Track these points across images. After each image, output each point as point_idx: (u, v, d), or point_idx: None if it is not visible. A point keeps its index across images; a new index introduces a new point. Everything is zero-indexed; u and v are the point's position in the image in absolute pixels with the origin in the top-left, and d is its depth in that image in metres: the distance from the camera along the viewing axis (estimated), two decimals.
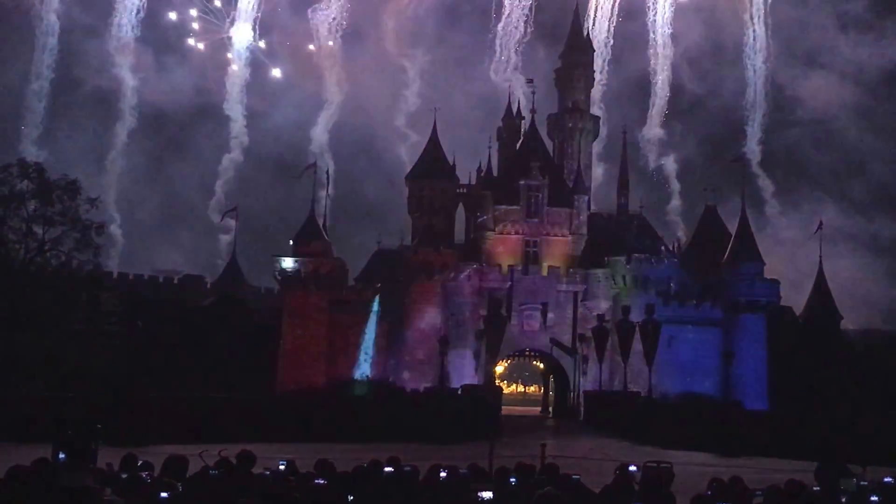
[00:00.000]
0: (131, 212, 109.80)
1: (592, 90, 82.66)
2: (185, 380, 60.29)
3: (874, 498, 22.69)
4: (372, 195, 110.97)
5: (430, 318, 70.57)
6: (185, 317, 74.89)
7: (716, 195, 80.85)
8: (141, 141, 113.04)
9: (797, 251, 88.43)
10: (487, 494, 14.86)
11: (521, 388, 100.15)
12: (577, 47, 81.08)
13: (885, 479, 19.81)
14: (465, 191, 77.66)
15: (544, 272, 73.87)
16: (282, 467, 18.69)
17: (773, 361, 71.02)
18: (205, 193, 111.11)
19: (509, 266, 73.67)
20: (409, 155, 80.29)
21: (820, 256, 79.66)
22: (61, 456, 12.68)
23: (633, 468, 29.56)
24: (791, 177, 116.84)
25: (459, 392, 62.58)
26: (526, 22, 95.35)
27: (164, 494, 12.87)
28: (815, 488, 23.66)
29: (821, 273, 79.41)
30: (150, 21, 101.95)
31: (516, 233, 75.62)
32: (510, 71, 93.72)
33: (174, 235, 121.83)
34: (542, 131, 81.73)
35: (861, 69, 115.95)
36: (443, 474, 19.24)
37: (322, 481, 16.71)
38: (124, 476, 15.05)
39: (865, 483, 23.99)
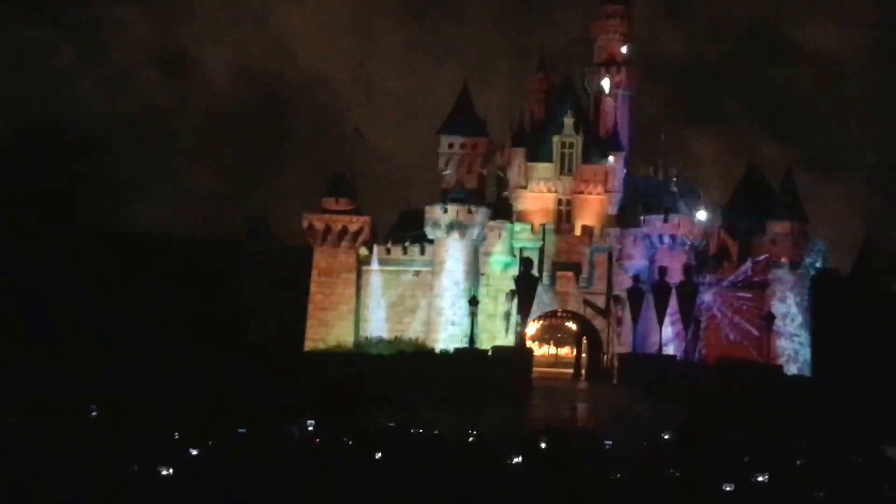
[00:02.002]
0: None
1: (630, 42, 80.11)
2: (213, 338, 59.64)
3: None
4: (403, 152, 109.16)
5: (459, 277, 69.08)
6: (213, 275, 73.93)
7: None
8: None
9: (844, 212, 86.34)
10: (517, 458, 14.33)
11: (553, 350, 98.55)
12: None
13: None
14: (496, 147, 75.75)
15: (578, 231, 72.07)
16: (311, 428, 18.27)
17: (818, 326, 69.22)
18: None
19: (541, 224, 71.91)
20: (442, 111, 77.60)
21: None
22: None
23: (666, 435, 28.27)
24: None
25: (490, 353, 61.50)
26: None
27: None
28: (858, 457, 22.34)
29: (870, 233, 77.41)
30: None
31: (549, 190, 73.74)
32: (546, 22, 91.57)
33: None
34: (578, 86, 79.61)
35: None
36: (471, 438, 18.46)
37: (349, 442, 16.33)
38: None
39: None
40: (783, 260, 69.45)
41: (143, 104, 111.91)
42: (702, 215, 72.05)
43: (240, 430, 26.63)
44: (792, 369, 66.96)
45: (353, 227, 70.68)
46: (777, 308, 67.76)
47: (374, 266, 71.44)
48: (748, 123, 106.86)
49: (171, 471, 20.78)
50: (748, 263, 70.43)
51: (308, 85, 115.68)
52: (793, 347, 68.56)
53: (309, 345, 69.32)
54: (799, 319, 69.17)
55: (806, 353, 68.83)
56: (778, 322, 66.24)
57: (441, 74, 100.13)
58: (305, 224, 71.09)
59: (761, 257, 70.06)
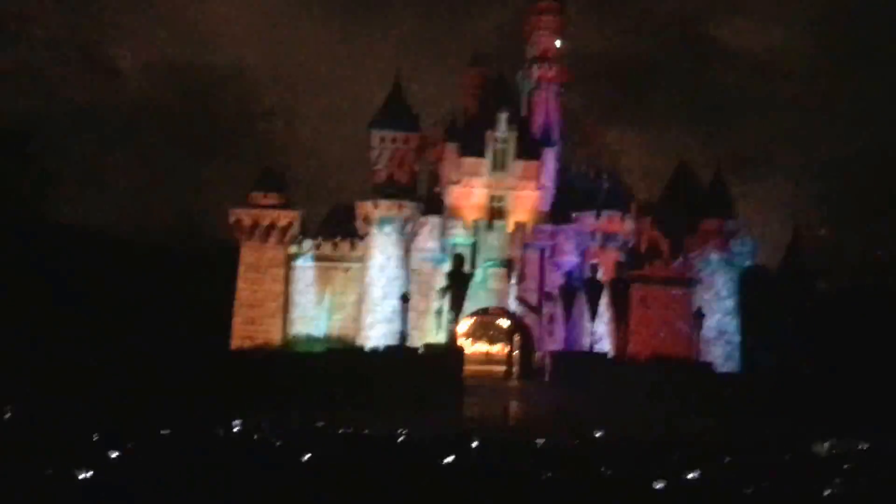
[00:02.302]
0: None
1: (567, 37, 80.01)
2: (136, 336, 58.48)
3: (846, 465, 21.31)
4: (334, 145, 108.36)
5: (391, 273, 68.44)
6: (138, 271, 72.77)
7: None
8: None
9: (774, 211, 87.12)
10: (449, 458, 13.78)
11: (485, 348, 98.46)
12: None
13: (859, 447, 18.87)
14: (429, 142, 75.16)
15: (510, 227, 71.79)
16: (236, 428, 17.55)
17: (747, 322, 69.67)
18: None
19: (474, 220, 71.52)
20: (373, 105, 76.99)
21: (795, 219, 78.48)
22: None
23: (598, 433, 27.91)
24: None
25: (420, 351, 60.91)
26: None
27: None
28: (786, 454, 22.09)
29: (797, 231, 78.12)
30: None
31: (482, 186, 73.42)
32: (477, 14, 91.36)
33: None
34: (512, 81, 79.40)
35: None
36: (401, 437, 18.13)
37: (277, 442, 15.67)
38: None
39: (837, 451, 22.49)
40: (713, 257, 69.76)
41: (60, 100, 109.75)
42: (634, 212, 72.06)
43: (163, 432, 25.61)
44: (722, 366, 67.24)
45: (281, 222, 69.77)
46: (707, 305, 67.88)
47: (304, 262, 70.63)
48: (675, 122, 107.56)
49: (89, 474, 19.87)
50: (679, 261, 70.70)
51: (228, 78, 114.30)
52: (723, 345, 68.85)
53: (236, 342, 68.19)
54: (729, 317, 69.50)
55: (736, 351, 69.16)
56: (708, 319, 66.33)
57: (371, 67, 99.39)
58: (232, 219, 69.94)
59: (692, 255, 70.33)
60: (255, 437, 20.99)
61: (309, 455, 14.26)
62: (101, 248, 73.46)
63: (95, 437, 26.05)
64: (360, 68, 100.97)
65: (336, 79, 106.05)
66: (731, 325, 69.56)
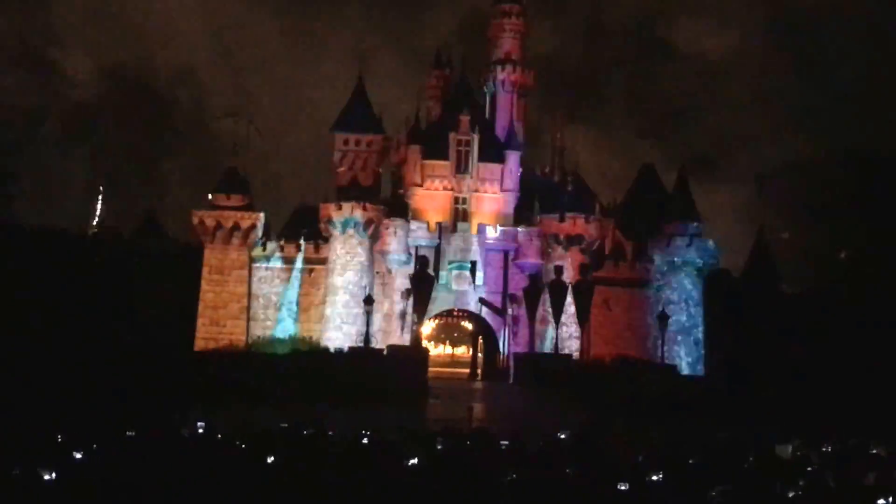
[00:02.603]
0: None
1: (527, 40, 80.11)
2: (98, 338, 57.99)
3: (810, 468, 21.42)
4: (296, 147, 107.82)
5: (354, 275, 68.28)
6: (101, 272, 72.10)
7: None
8: None
9: (738, 213, 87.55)
10: (413, 460, 13.68)
11: (449, 350, 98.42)
12: None
13: (822, 448, 18.93)
14: (392, 144, 74.99)
15: (474, 230, 71.76)
16: (200, 430, 17.34)
17: (710, 325, 69.99)
18: None
19: (437, 223, 71.48)
20: (336, 107, 76.66)
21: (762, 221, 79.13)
22: None
23: (562, 435, 27.88)
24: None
25: (385, 353, 60.80)
26: None
27: None
28: (749, 456, 22.13)
29: (761, 234, 78.56)
30: None
31: (445, 188, 73.31)
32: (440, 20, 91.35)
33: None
34: (474, 83, 79.44)
35: None
36: (365, 439, 18.02)
37: (241, 444, 15.51)
38: None
39: (801, 453, 22.57)
40: (677, 260, 70.01)
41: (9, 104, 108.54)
42: (598, 214, 72.23)
43: (128, 433, 25.38)
44: (685, 369, 67.56)
45: (244, 224, 69.33)
46: (671, 308, 68.09)
47: (267, 264, 70.32)
48: (634, 124, 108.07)
49: (53, 475, 19.66)
50: (642, 263, 70.93)
51: (183, 80, 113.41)
52: (686, 347, 69.13)
53: (200, 344, 67.80)
54: (693, 320, 69.78)
55: (699, 353, 69.45)
56: (672, 321, 66.58)
57: (332, 68, 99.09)
58: (195, 220, 69.49)
59: (655, 257, 70.56)
60: (219, 437, 20.89)
61: (272, 457, 14.16)
62: (60, 248, 72.77)
63: (59, 438, 25.81)
64: (320, 69, 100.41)
65: (295, 80, 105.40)
66: (695, 327, 69.83)
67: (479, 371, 77.37)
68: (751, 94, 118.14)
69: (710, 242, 71.48)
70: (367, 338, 62.70)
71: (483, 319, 72.94)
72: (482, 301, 71.95)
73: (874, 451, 24.80)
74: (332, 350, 63.03)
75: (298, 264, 70.36)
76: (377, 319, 67.37)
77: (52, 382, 43.35)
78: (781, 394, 50.78)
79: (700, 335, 69.81)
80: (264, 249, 70.28)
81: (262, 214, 70.42)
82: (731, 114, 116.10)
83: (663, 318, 63.94)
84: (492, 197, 73.47)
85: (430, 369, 65.03)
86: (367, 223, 68.33)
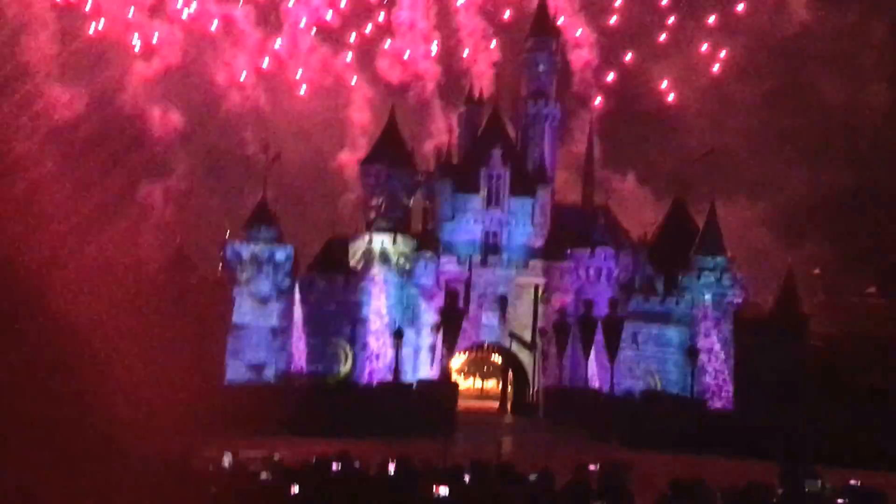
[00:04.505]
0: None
1: (558, 76, 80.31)
2: (129, 369, 58.12)
3: (840, 501, 21.22)
4: (327, 180, 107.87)
5: (385, 309, 68.31)
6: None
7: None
8: None
9: (766, 249, 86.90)
10: (444, 490, 13.63)
11: (478, 384, 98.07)
12: (543, 31, 78.80)
13: (851, 482, 18.79)
14: (423, 178, 75.24)
15: (504, 264, 71.76)
16: (227, 463, 17.36)
17: (739, 360, 69.49)
18: None
19: (468, 256, 71.55)
20: (368, 139, 77.30)
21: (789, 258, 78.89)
22: None
23: (592, 467, 27.78)
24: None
25: (414, 387, 60.77)
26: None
27: None
28: (778, 490, 21.98)
29: (790, 272, 78.17)
30: None
31: (475, 222, 73.52)
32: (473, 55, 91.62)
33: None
34: (506, 117, 79.67)
35: None
36: (391, 468, 17.96)
37: (267, 475, 15.53)
38: None
39: (829, 486, 22.39)
40: (706, 295, 69.61)
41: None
42: (628, 249, 72.07)
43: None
44: (716, 403, 67.08)
45: (276, 256, 69.32)
46: (701, 342, 67.75)
47: (297, 296, 70.17)
48: (667, 157, 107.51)
49: None
50: (673, 298, 70.53)
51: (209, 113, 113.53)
52: (716, 382, 68.65)
53: (230, 376, 67.72)
54: (722, 354, 69.28)
55: (729, 388, 68.93)
56: (702, 356, 66.25)
57: (364, 98, 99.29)
58: (227, 252, 69.57)
59: (685, 292, 70.16)
60: (244, 470, 20.93)
61: (297, 487, 14.23)
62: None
63: None
64: (350, 97, 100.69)
65: (327, 112, 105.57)
66: (725, 361, 69.33)
67: (508, 405, 77.15)
68: (777, 130, 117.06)
69: (740, 278, 71.04)
70: (396, 371, 62.70)
71: (513, 353, 72.83)
72: (512, 335, 71.86)
73: None
74: (361, 383, 63.04)
75: (328, 297, 70.05)
76: (407, 353, 67.27)
77: None
78: (810, 430, 50.28)
79: (729, 370, 69.25)
80: (295, 282, 70.17)
81: (292, 247, 70.50)
82: (760, 148, 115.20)
83: (693, 352, 63.65)
84: (522, 231, 73.52)
85: (460, 403, 64.96)
86: (398, 257, 68.39)
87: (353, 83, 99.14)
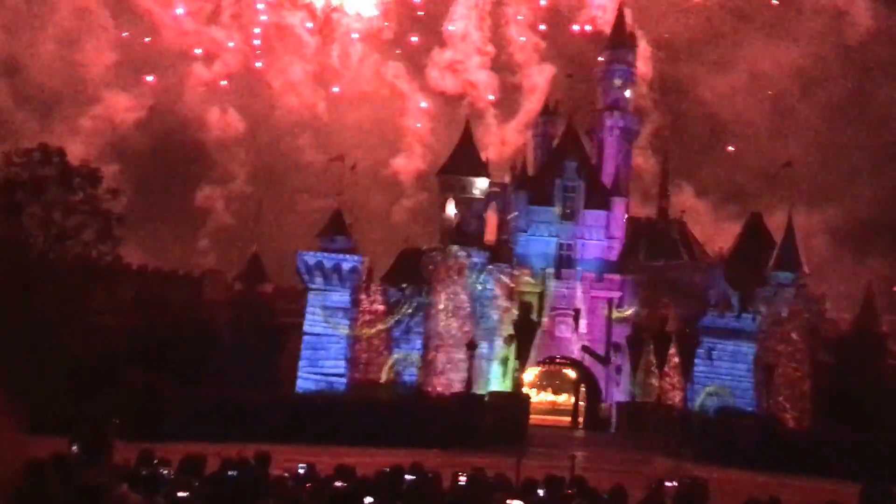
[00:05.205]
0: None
1: (634, 88, 79.91)
2: (202, 377, 58.87)
3: None
4: (402, 189, 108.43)
5: (458, 320, 68.29)
6: (202, 312, 73.43)
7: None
8: None
9: (842, 265, 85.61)
10: (517, 503, 13.59)
11: (550, 397, 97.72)
12: (620, 43, 78.52)
13: None
14: (498, 189, 75.20)
15: (578, 277, 71.50)
16: (301, 471, 17.44)
17: (816, 378, 68.45)
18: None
19: (542, 269, 71.37)
20: (444, 150, 77.67)
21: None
22: (74, 449, 12.59)
23: (668, 483, 27.45)
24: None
25: (487, 399, 60.68)
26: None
27: (181, 493, 12.15)
28: None
29: (869, 289, 76.96)
30: None
31: (550, 235, 73.37)
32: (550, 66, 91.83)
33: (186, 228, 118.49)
34: (582, 130, 79.47)
35: None
36: (462, 480, 17.94)
37: (341, 483, 15.56)
38: (142, 473, 13.87)
39: None
40: (782, 311, 68.66)
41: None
42: (704, 264, 71.47)
43: (230, 473, 25.66)
44: (791, 421, 66.10)
45: (349, 266, 69.69)
46: (776, 359, 66.84)
47: (371, 306, 70.34)
48: (746, 171, 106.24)
49: None
50: (749, 313, 69.70)
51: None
52: (792, 400, 67.63)
53: (300, 385, 68.20)
54: (798, 372, 68.25)
55: (806, 406, 67.86)
56: (777, 374, 65.36)
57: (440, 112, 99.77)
58: (300, 262, 70.11)
59: (761, 307, 69.27)
60: (318, 479, 20.98)
61: (371, 498, 14.25)
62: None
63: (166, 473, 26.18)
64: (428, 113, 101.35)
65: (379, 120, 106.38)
66: (801, 379, 68.28)
67: (580, 420, 76.80)
68: (843, 141, 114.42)
69: (816, 295, 70.06)
70: (469, 383, 62.60)
71: (586, 367, 72.52)
72: (585, 349, 71.55)
73: None
74: (434, 395, 63.07)
75: (403, 308, 70.26)
76: (480, 365, 67.13)
77: None
78: (891, 449, 49.37)
79: (806, 387, 68.19)
80: (368, 293, 70.36)
81: (366, 257, 70.86)
82: (826, 160, 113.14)
83: (769, 369, 62.89)
84: (597, 244, 73.28)
85: (532, 416, 64.75)
86: (472, 268, 68.39)
87: (405, 91, 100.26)
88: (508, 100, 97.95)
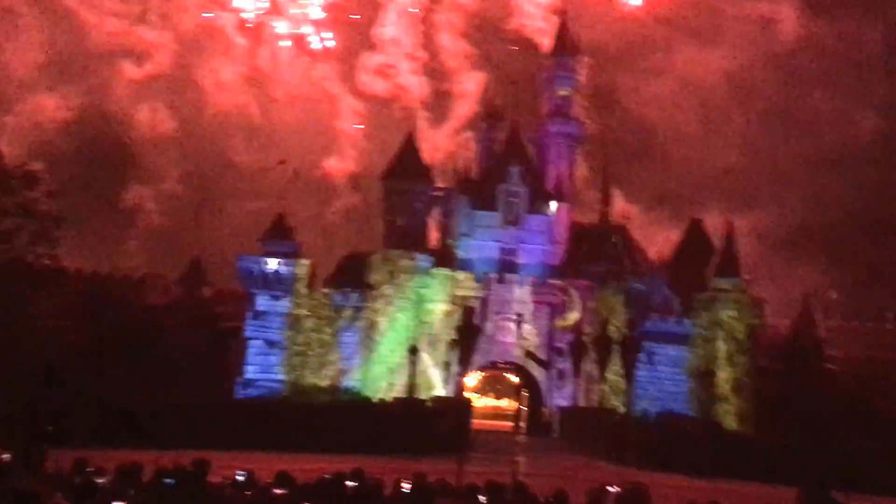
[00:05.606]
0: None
1: (577, 93, 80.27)
2: (142, 382, 58.07)
3: None
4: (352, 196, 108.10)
5: (400, 325, 68.11)
6: (145, 316, 72.58)
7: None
8: None
9: (790, 272, 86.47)
10: None
11: (493, 402, 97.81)
12: (563, 51, 78.87)
13: None
14: (441, 194, 75.16)
15: (521, 282, 71.60)
16: (240, 478, 17.19)
17: (756, 383, 69.11)
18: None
19: (485, 273, 71.40)
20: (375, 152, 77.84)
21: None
22: (5, 457, 12.57)
23: (610, 489, 27.55)
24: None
25: (429, 404, 60.53)
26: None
27: (117, 503, 12.16)
28: None
29: (807, 295, 77.96)
30: None
31: (493, 239, 73.44)
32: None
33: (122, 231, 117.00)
34: (525, 135, 79.59)
35: None
36: (406, 487, 17.85)
37: (281, 491, 15.36)
38: (76, 481, 13.66)
39: None
40: (722, 317, 69.16)
41: None
42: (645, 269, 71.90)
43: (166, 480, 25.28)
44: (732, 426, 66.59)
45: (291, 271, 69.17)
46: (716, 364, 67.34)
47: (312, 311, 69.71)
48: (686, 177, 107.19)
49: None
50: (689, 319, 70.12)
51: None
52: (731, 404, 68.19)
53: (241, 391, 67.67)
54: (738, 376, 68.75)
55: (746, 411, 68.42)
56: (717, 378, 65.83)
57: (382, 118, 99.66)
58: (242, 266, 69.48)
59: (702, 313, 69.73)
60: (258, 486, 20.76)
61: None
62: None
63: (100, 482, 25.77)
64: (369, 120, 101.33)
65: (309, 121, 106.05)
66: (740, 384, 68.82)
67: (522, 424, 76.86)
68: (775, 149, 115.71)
69: (755, 300, 70.68)
70: (411, 388, 62.41)
71: (528, 372, 72.57)
72: (528, 354, 71.62)
73: None
74: (376, 400, 62.79)
75: (345, 313, 69.83)
76: (422, 370, 66.92)
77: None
78: (827, 454, 49.89)
79: (747, 392, 68.74)
80: (310, 297, 69.93)
81: (308, 262, 70.40)
82: (787, 169, 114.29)
83: (709, 374, 63.34)
84: (540, 249, 73.44)
85: (474, 421, 64.68)
86: (415, 272, 68.23)
87: (334, 92, 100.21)
88: (440, 105, 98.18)
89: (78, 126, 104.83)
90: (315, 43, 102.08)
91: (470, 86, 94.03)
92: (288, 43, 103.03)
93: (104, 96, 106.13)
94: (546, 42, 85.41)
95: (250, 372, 68.45)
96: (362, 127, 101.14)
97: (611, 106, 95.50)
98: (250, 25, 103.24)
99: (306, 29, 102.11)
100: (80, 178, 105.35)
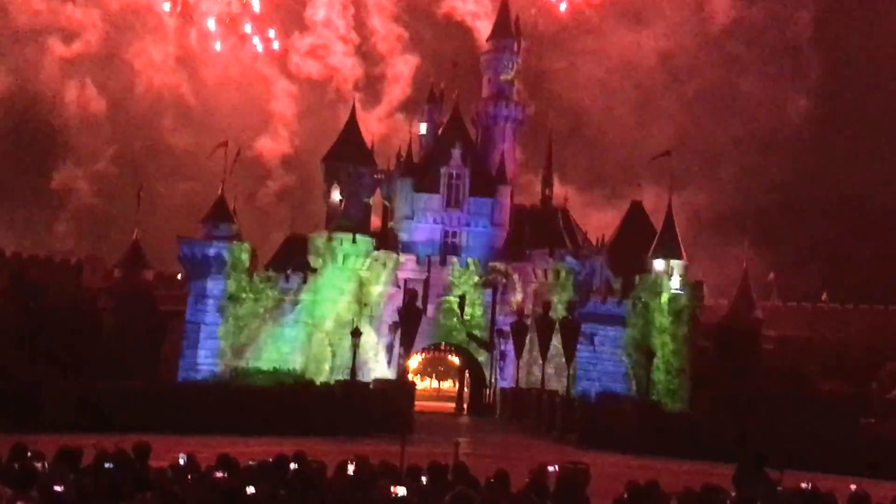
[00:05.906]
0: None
1: (519, 76, 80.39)
2: (81, 366, 57.48)
3: None
4: (287, 177, 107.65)
5: (342, 307, 67.98)
6: (83, 300, 71.90)
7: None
8: None
9: (725, 253, 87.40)
10: (401, 491, 13.44)
11: (435, 384, 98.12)
12: (505, 33, 78.95)
13: (802, 485, 18.88)
14: (383, 176, 75.02)
15: (463, 264, 71.78)
16: (182, 462, 17.09)
17: (695, 363, 69.93)
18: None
19: (427, 256, 71.48)
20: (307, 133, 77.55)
21: (745, 262, 79.76)
22: None
23: (551, 468, 27.79)
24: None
25: (371, 386, 60.56)
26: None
27: (57, 487, 11.63)
28: (732, 494, 22.10)
29: (745, 276, 78.87)
30: None
31: (435, 222, 73.48)
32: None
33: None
34: (467, 117, 79.67)
35: None
36: (351, 469, 17.88)
37: (222, 474, 15.31)
38: (14, 466, 13.50)
39: (782, 489, 22.56)
40: (662, 298, 69.78)
41: None
42: (586, 251, 72.34)
43: (106, 465, 25.13)
44: (671, 406, 67.32)
45: (232, 254, 68.36)
46: (657, 345, 67.92)
47: (255, 294, 68.98)
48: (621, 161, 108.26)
49: None
50: (630, 300, 70.62)
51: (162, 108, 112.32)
52: (671, 384, 68.92)
53: (182, 374, 67.08)
54: (678, 357, 69.48)
55: (685, 390, 69.21)
56: (658, 358, 66.42)
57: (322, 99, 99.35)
58: (182, 249, 68.67)
59: (642, 294, 70.26)
60: (201, 469, 20.70)
61: (253, 488, 14.06)
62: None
63: (40, 467, 25.55)
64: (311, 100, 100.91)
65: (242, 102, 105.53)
66: (680, 364, 69.56)
67: (465, 406, 77.12)
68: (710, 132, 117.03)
69: (695, 282, 71.39)
70: (353, 370, 62.35)
71: (470, 354, 72.81)
72: (469, 335, 71.85)
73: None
74: (319, 383, 62.63)
75: (287, 295, 69.18)
76: (364, 352, 66.82)
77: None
78: (762, 432, 50.61)
79: (686, 372, 69.53)
80: (251, 280, 69.01)
81: (249, 244, 69.75)
82: (720, 150, 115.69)
83: (649, 354, 63.91)
84: (482, 231, 73.60)
85: (416, 403, 64.79)
86: (357, 255, 68.06)
87: (266, 75, 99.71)
88: (372, 88, 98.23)
89: (4, 106, 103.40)
90: (247, 26, 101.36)
91: (403, 69, 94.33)
92: (213, 23, 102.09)
93: (32, 75, 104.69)
94: (479, 25, 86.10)
95: (191, 356, 67.75)
96: (287, 108, 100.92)
97: (544, 89, 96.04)
98: (178, 9, 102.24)
99: (236, 8, 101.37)
100: (8, 158, 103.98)
